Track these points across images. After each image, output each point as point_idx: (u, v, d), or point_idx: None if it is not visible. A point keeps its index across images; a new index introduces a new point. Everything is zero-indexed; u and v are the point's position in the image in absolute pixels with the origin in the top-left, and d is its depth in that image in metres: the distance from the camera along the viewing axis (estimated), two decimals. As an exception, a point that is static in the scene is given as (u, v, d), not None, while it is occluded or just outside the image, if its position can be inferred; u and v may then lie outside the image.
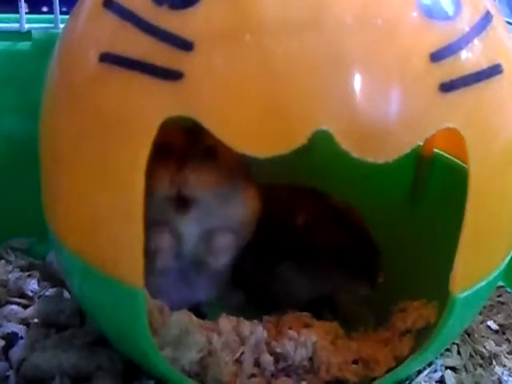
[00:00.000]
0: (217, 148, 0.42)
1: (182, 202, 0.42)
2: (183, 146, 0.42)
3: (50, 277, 0.55)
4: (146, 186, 0.36)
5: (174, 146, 0.42)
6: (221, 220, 0.44)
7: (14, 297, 0.53)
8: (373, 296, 0.50)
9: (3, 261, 0.57)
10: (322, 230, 0.49)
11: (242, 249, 0.46)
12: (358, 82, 0.31)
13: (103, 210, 0.35)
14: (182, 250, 0.44)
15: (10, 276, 0.55)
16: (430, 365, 0.47)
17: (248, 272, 0.50)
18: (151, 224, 0.40)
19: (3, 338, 0.47)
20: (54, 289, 0.52)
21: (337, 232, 0.49)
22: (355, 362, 0.44)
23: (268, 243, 0.49)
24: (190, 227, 0.43)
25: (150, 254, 0.40)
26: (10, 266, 0.56)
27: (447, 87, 0.33)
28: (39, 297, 0.52)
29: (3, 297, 0.52)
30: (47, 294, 0.50)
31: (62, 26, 0.55)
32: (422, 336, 0.43)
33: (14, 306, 0.51)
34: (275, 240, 0.49)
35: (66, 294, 0.50)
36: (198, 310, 0.46)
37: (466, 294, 0.38)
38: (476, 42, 0.35)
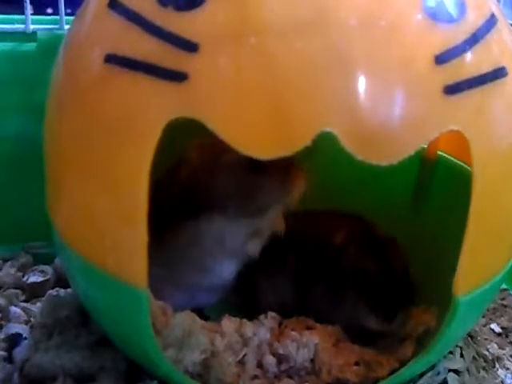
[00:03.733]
0: None
1: None
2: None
3: (59, 279, 0.55)
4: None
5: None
6: None
7: (27, 298, 0.54)
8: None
9: (15, 262, 0.57)
10: (354, 253, 0.47)
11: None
12: (362, 83, 0.32)
13: (107, 211, 0.35)
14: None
15: (23, 278, 0.56)
16: (432, 367, 0.47)
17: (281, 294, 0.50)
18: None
19: (7, 338, 0.47)
20: (57, 289, 0.52)
21: (368, 258, 0.47)
22: (357, 363, 0.44)
23: (304, 264, 0.49)
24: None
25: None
26: (16, 267, 0.57)
27: (451, 89, 0.33)
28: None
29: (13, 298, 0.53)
30: (51, 294, 0.50)
31: (66, 27, 0.55)
32: (424, 339, 0.43)
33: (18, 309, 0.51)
34: (311, 260, 0.48)
35: (70, 295, 0.50)
36: (201, 311, 0.46)
37: (469, 296, 0.38)
38: (480, 44, 0.35)
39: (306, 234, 0.49)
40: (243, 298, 0.51)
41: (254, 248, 0.45)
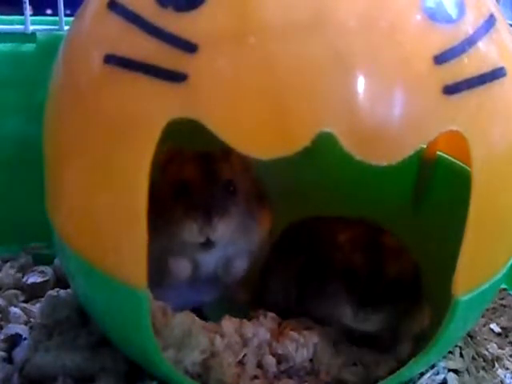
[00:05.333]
0: (235, 181, 0.43)
1: (207, 243, 0.43)
2: (202, 184, 0.43)
3: (59, 279, 0.55)
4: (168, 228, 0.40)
5: (193, 184, 0.43)
6: (239, 247, 0.45)
7: (26, 299, 0.54)
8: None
9: (15, 263, 0.58)
10: (348, 252, 0.46)
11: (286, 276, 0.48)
12: (361, 84, 0.32)
13: (107, 211, 0.35)
14: (198, 274, 0.45)
15: (23, 279, 0.56)
16: (432, 367, 0.47)
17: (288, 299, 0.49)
18: (169, 251, 0.43)
19: (7, 339, 0.47)
20: (57, 290, 0.52)
21: (360, 259, 0.45)
22: (355, 364, 0.44)
23: (309, 265, 0.48)
24: (209, 259, 0.44)
25: (160, 269, 0.42)
26: (16, 268, 0.57)
27: (451, 90, 0.33)
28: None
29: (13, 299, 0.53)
30: (51, 295, 0.50)
31: (66, 27, 0.55)
32: (423, 338, 0.43)
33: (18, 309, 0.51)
34: (316, 261, 0.48)
35: (69, 295, 0.50)
36: (201, 312, 0.46)
37: (468, 296, 0.38)
38: (479, 44, 0.35)
39: (318, 238, 0.49)
40: (249, 296, 0.51)
41: (176, 266, 0.44)
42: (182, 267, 0.44)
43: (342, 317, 0.45)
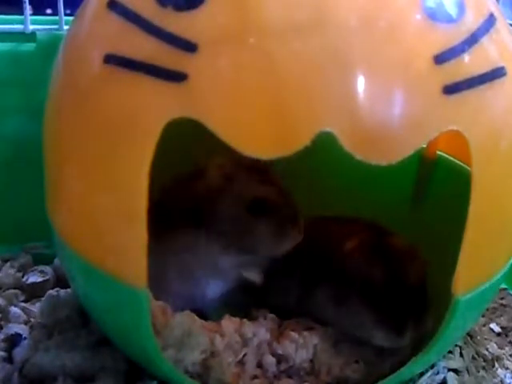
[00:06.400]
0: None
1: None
2: (277, 200, 0.45)
3: (59, 279, 0.55)
4: None
5: (271, 202, 0.44)
6: None
7: (26, 299, 0.54)
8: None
9: (15, 263, 0.57)
10: (362, 261, 0.44)
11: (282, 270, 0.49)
12: (361, 83, 0.32)
13: (107, 211, 0.35)
14: None
15: (23, 279, 0.56)
16: (432, 367, 0.47)
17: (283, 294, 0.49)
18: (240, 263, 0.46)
19: (7, 338, 0.47)
20: (57, 289, 0.52)
21: (375, 267, 0.44)
22: (357, 362, 0.44)
23: (312, 268, 0.48)
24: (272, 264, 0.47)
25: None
26: (16, 268, 0.57)
27: (451, 89, 0.33)
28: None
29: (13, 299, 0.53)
30: (51, 294, 0.50)
31: (66, 27, 0.55)
32: (424, 338, 0.43)
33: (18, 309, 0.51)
34: (320, 265, 0.47)
35: (69, 295, 0.50)
36: (201, 312, 0.46)
37: (468, 296, 0.38)
38: (480, 44, 0.35)
39: (320, 240, 0.48)
40: (248, 297, 0.51)
41: (254, 277, 0.46)
42: (258, 278, 0.47)
43: (373, 338, 0.44)
